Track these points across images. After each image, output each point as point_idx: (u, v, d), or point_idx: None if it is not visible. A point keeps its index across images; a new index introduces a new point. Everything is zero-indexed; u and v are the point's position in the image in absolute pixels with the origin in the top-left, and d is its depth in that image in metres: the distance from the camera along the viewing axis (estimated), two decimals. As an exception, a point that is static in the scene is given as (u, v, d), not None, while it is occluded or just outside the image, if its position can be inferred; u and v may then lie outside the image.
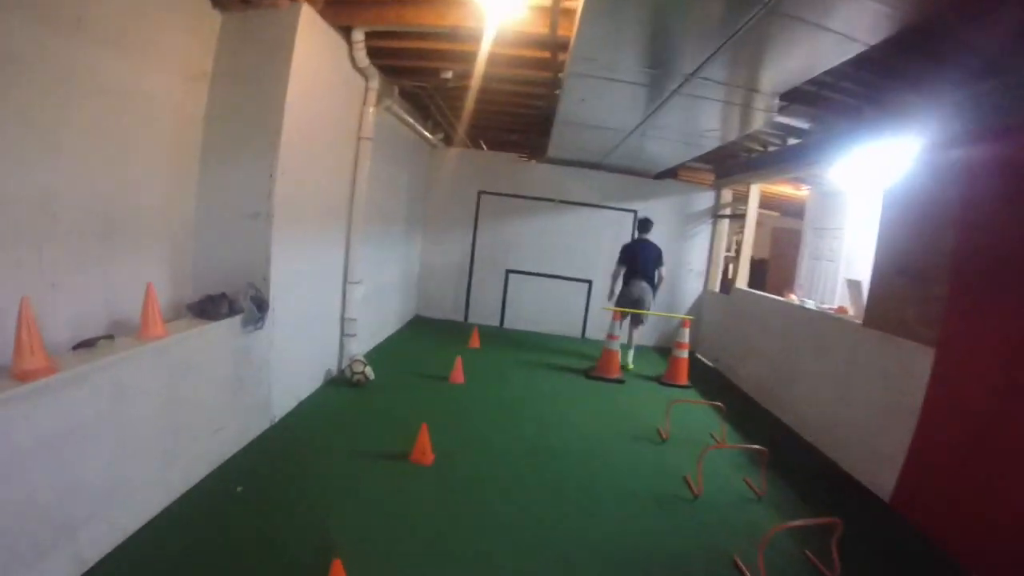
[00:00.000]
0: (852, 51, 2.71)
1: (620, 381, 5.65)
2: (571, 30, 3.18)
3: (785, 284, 8.14)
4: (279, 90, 3.27)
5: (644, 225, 6.31)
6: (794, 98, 3.90)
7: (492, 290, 7.92)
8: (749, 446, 3.60)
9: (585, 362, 6.29)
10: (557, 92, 4.41)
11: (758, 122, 4.23)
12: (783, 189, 7.78)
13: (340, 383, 4.58)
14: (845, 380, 4.17)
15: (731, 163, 6.95)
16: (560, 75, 4.14)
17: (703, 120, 4.34)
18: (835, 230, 7.43)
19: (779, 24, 2.46)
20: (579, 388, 5.42)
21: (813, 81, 3.39)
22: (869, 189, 6.03)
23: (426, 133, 6.59)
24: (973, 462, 2.93)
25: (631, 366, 6.24)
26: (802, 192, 7.66)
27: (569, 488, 3.25)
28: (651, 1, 2.54)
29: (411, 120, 5.83)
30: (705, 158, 6.37)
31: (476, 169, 7.78)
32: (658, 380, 5.94)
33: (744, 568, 2.56)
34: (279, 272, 3.43)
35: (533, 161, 7.71)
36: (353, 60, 4.17)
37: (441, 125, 6.93)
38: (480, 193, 7.78)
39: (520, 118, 6.43)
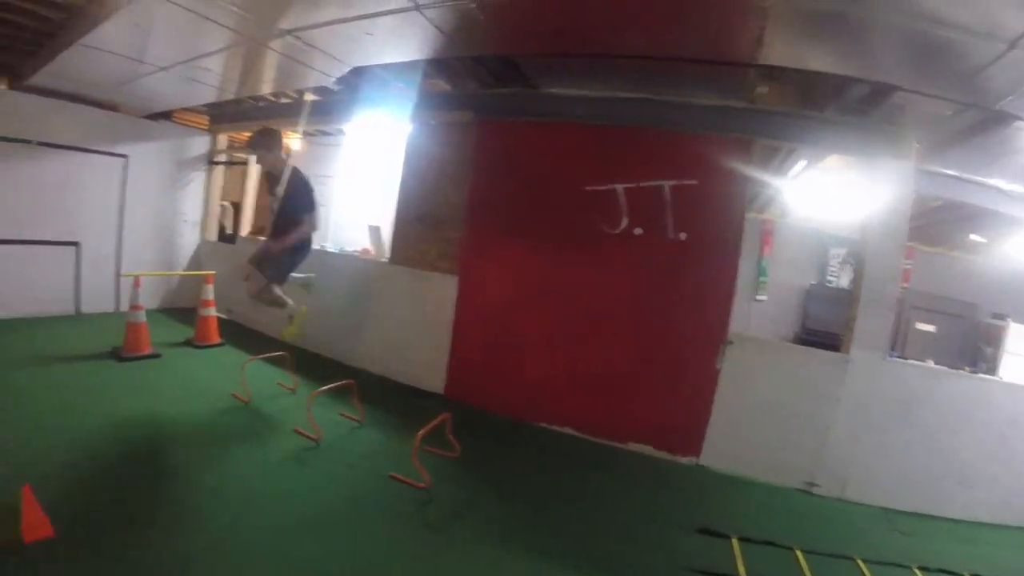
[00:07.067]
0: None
1: (156, 355, 4.73)
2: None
3: (264, 227, 8.28)
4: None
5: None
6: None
7: None
8: (338, 384, 3.91)
9: (99, 342, 4.89)
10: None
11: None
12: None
13: None
14: (384, 310, 5.17)
15: (230, 108, 6.48)
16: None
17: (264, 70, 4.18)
18: (325, 177, 8.38)
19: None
20: (121, 376, 4.31)
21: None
22: (367, 145, 7.18)
23: None
24: (489, 352, 4.61)
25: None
26: (290, 139, 8.03)
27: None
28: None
29: None
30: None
31: None
32: (189, 343, 5.30)
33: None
34: None
35: (4, 87, 5.11)
36: None
37: None
38: None
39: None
